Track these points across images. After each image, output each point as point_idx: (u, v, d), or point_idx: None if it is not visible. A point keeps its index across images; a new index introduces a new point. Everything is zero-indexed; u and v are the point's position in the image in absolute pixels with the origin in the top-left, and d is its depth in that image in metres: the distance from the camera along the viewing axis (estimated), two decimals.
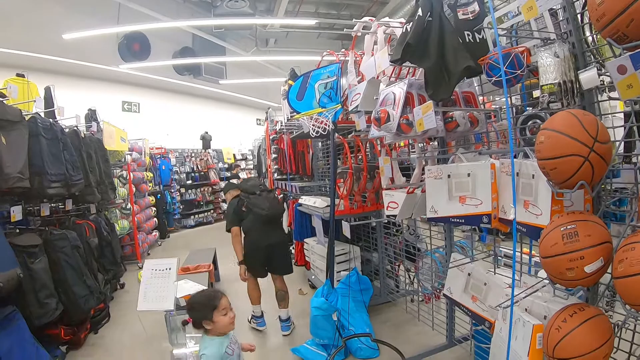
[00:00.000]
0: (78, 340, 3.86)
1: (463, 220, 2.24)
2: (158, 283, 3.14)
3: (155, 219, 9.15)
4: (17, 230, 3.48)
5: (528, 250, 2.27)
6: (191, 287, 3.75)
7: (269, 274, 4.05)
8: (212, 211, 12.65)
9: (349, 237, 3.60)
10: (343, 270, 4.29)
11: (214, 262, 6.06)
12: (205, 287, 3.79)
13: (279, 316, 4.06)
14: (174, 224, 10.92)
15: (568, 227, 1.42)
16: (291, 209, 5.93)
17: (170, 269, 3.21)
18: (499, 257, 2.49)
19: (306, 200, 4.67)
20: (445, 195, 2.30)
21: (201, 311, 2.13)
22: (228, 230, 3.96)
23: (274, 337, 3.98)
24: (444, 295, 2.75)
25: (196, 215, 12.01)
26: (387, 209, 2.88)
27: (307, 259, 5.46)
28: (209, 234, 10.75)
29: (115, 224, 6.28)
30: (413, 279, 3.83)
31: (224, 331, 2.15)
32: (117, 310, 4.77)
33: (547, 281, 1.74)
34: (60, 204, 4.44)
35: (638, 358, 1.63)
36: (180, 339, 3.40)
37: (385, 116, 2.38)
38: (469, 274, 2.50)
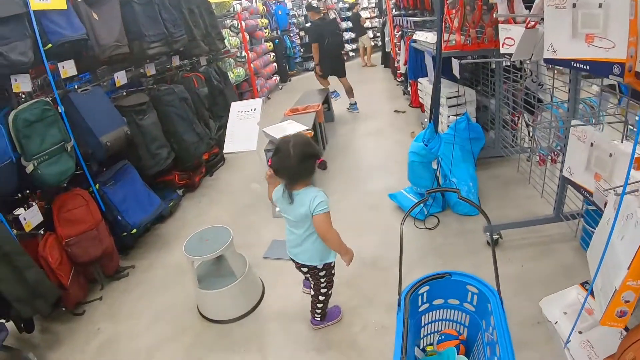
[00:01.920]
0: (193, 183, 4.31)
1: (587, 67, 1.58)
2: (243, 125, 3.08)
3: (274, 64, 9.23)
4: (124, 93, 3.74)
5: None
6: (294, 127, 3.75)
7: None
8: None
9: (458, 76, 3.18)
10: (453, 115, 3.80)
11: (327, 102, 6.02)
12: (309, 128, 3.75)
13: (349, 102, 6.38)
14: (295, 67, 10.94)
15: None
16: (407, 45, 5.47)
17: (255, 109, 3.10)
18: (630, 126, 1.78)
19: (420, 36, 4.25)
20: (569, 31, 1.64)
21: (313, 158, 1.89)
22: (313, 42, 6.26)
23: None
24: (564, 177, 2.19)
25: None
26: (502, 47, 2.28)
27: (420, 100, 5.15)
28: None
29: (230, 72, 6.45)
30: (532, 135, 3.17)
31: None
32: (233, 154, 4.85)
33: None
34: (167, 62, 4.61)
35: None
36: None
37: None
38: (591, 144, 1.87)
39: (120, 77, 3.63)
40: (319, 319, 2.27)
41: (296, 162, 1.80)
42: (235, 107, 3.21)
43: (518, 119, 3.54)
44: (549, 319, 2.01)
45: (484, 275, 2.43)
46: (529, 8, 2.38)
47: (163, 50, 3.94)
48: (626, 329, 1.39)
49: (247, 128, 3.04)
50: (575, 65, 1.66)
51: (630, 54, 1.34)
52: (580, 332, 1.85)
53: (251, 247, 3.06)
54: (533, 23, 2.09)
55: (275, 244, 3.10)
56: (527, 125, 3.35)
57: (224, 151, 3.12)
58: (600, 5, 1.40)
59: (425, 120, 4.79)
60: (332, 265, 2.12)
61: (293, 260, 2.10)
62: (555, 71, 2.58)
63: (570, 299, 1.96)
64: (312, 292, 2.22)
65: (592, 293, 1.96)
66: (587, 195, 1.99)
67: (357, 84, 7.10)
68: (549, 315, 2.03)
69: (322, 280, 2.13)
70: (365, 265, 2.72)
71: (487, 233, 2.70)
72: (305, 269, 2.10)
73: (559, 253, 2.50)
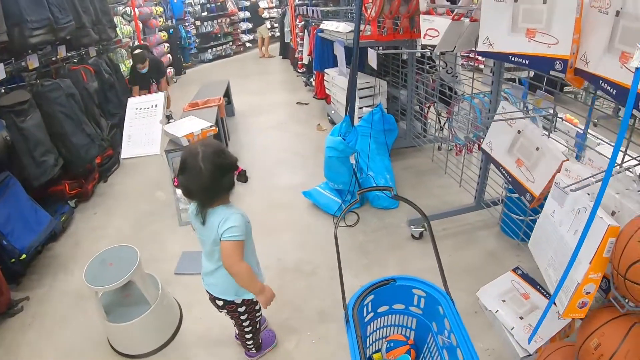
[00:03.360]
0: (86, 192, 3.74)
1: (527, 62, 1.59)
2: (143, 124, 2.74)
3: (169, 55, 8.57)
4: (2, 90, 3.08)
5: None
6: (196, 124, 3.41)
7: None
8: (230, 43, 11.79)
9: (375, 67, 3.10)
10: (366, 107, 3.77)
11: (227, 95, 5.66)
12: (212, 124, 3.44)
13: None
14: (190, 59, 10.28)
15: None
16: (312, 36, 5.41)
17: (156, 105, 2.78)
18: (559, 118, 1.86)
19: (328, 25, 4.17)
20: (508, 24, 1.64)
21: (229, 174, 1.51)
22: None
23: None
24: (482, 149, 2.24)
25: (214, 49, 11.24)
26: (424, 37, 2.24)
27: (327, 91, 5.11)
28: (228, 66, 10.18)
29: (122, 65, 5.86)
30: (444, 125, 3.28)
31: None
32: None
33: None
34: (52, 53, 3.93)
35: None
36: None
37: None
38: (519, 132, 1.92)
39: None
40: (254, 351, 1.98)
41: (209, 179, 1.42)
42: (133, 103, 2.85)
43: (428, 109, 3.65)
44: (488, 309, 2.04)
45: (412, 269, 2.42)
46: (450, 1, 2.41)
47: (47, 38, 3.43)
48: None
49: (147, 128, 2.72)
50: (513, 59, 1.66)
51: (573, 50, 1.35)
52: (521, 318, 1.91)
53: (159, 262, 2.70)
54: (459, 15, 2.09)
55: (185, 257, 2.76)
56: (439, 115, 3.45)
57: (122, 157, 2.73)
58: (544, 1, 1.39)
59: (333, 111, 4.76)
60: (255, 301, 1.78)
61: (207, 291, 1.74)
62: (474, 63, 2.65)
63: (506, 286, 2.00)
64: (236, 330, 1.91)
65: (525, 278, 2.04)
66: (506, 174, 2.05)
67: (255, 75, 6.86)
68: (488, 304, 2.05)
69: (242, 318, 1.79)
70: (288, 271, 2.55)
71: (412, 227, 2.69)
72: (220, 302, 1.72)
73: (482, 240, 2.58)
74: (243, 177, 3.89)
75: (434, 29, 2.19)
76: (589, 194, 1.30)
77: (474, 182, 2.63)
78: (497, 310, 1.97)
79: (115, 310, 2.07)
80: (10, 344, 2.27)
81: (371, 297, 1.57)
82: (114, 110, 4.59)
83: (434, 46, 2.20)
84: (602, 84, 1.24)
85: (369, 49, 3.06)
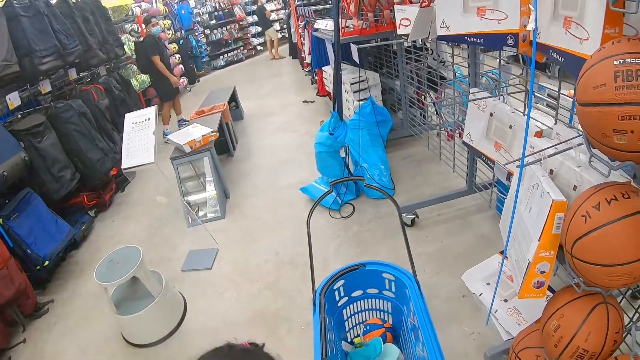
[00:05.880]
0: (104, 202, 3.99)
1: (481, 40, 1.61)
2: (139, 136, 2.92)
3: (180, 65, 8.78)
4: (19, 115, 3.37)
5: (573, 91, 1.58)
6: (198, 131, 3.60)
7: None
8: (241, 48, 11.90)
9: (358, 61, 3.18)
10: (358, 101, 3.81)
11: (234, 100, 5.79)
12: (213, 130, 3.59)
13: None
14: (202, 67, 10.47)
15: (627, 60, 0.78)
16: (309, 35, 5.41)
17: (149, 119, 2.95)
18: (538, 95, 1.84)
19: (320, 24, 4.24)
20: (459, 5, 1.64)
21: None
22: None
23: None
24: (464, 142, 2.24)
25: (225, 55, 11.35)
26: (399, 28, 2.28)
27: (327, 88, 5.15)
28: (240, 71, 10.32)
29: (133, 79, 6.15)
30: (438, 112, 3.26)
31: None
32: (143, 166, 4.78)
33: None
34: (64, 76, 4.23)
35: None
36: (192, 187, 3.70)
37: None
38: (491, 114, 1.91)
39: (14, 99, 3.33)
40: None
41: None
42: (129, 118, 3.03)
43: (424, 97, 3.63)
44: (472, 292, 2.05)
45: (403, 256, 2.45)
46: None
47: (57, 64, 3.69)
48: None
49: (142, 139, 2.88)
50: (469, 39, 1.67)
51: (524, 23, 1.34)
52: (505, 300, 1.90)
53: (169, 262, 2.93)
54: (427, 2, 2.10)
55: (192, 255, 2.96)
56: (434, 102, 3.43)
57: (122, 167, 2.89)
58: None
59: None
60: None
61: None
62: (455, 47, 2.63)
63: (492, 269, 1.98)
64: None
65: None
66: (489, 162, 2.04)
67: (265, 78, 6.95)
68: (472, 287, 2.05)
69: None
70: (284, 264, 2.65)
71: (403, 214, 2.70)
72: None
73: (476, 224, 2.57)
74: None
75: (406, 18, 2.21)
76: (553, 171, 1.29)
77: (466, 166, 2.62)
78: (481, 294, 1.97)
79: (125, 304, 2.30)
80: (37, 343, 2.51)
81: (341, 282, 1.62)
82: None
83: (407, 35, 2.23)
84: (552, 53, 1.22)
85: (351, 44, 3.07)
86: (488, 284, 1.96)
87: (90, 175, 3.81)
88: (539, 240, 1.15)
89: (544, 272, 1.19)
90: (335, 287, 1.62)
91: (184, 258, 2.93)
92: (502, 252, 1.98)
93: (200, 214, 3.47)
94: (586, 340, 1.09)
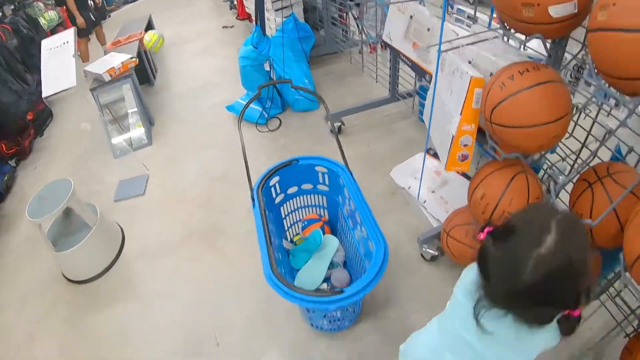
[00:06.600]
0: (24, 149, 3.64)
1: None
2: (57, 61, 2.67)
3: (90, 1, 7.69)
4: None
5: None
6: (116, 59, 3.38)
7: None
8: None
9: None
10: (280, 18, 3.68)
11: (151, 28, 5.31)
12: (133, 56, 3.40)
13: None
14: (113, 2, 9.27)
15: None
16: None
17: (67, 42, 2.69)
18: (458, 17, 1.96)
19: None
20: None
21: None
22: None
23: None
24: (383, 41, 2.32)
25: None
26: None
27: (247, 10, 4.88)
28: (155, 1, 9.28)
29: (41, 18, 5.57)
30: (362, 28, 3.28)
31: None
32: (60, 107, 4.37)
33: (501, 31, 1.28)
34: None
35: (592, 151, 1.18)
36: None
37: None
38: (411, 17, 1.98)
39: None
40: None
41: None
42: (45, 44, 2.76)
43: (346, 15, 3.61)
44: (401, 186, 2.24)
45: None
46: None
47: None
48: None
49: (62, 64, 2.63)
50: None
51: None
52: (433, 192, 2.12)
53: (99, 194, 2.80)
54: None
55: (122, 184, 2.87)
56: (355, 18, 3.43)
57: (43, 96, 2.64)
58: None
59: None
60: None
61: None
62: None
63: (418, 165, 2.16)
64: None
65: (434, 155, 2.21)
66: (406, 60, 2.16)
67: (182, 7, 6.44)
68: (401, 182, 2.25)
69: None
70: (214, 181, 2.67)
71: (329, 122, 2.81)
72: None
73: (400, 130, 2.74)
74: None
75: None
76: (471, 62, 1.40)
77: (389, 76, 2.73)
78: (410, 187, 2.17)
79: (61, 241, 2.20)
80: None
81: (277, 178, 1.69)
82: (38, 63, 4.29)
83: None
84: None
85: None
86: (415, 178, 2.15)
87: (5, 120, 3.49)
88: (460, 114, 1.29)
89: (467, 145, 1.35)
90: (271, 184, 1.68)
91: (114, 189, 2.83)
92: (427, 151, 2.16)
93: (125, 140, 3.31)
94: (510, 204, 1.24)
